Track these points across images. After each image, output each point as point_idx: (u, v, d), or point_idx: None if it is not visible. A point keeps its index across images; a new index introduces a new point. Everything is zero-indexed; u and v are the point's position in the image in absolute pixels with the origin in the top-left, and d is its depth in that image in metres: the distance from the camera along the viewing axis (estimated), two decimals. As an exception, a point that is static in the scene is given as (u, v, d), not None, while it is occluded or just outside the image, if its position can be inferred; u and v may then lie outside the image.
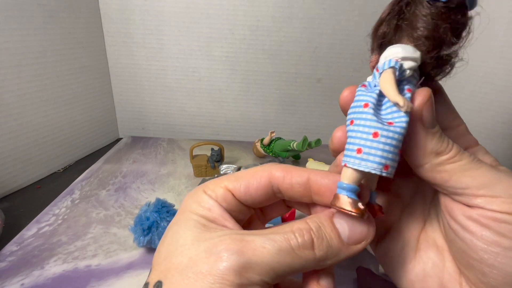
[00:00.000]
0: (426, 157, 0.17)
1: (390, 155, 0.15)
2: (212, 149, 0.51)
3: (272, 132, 0.57)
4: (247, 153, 0.63)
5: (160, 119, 0.70)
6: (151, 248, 0.35)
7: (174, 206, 0.37)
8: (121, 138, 0.71)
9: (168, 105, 0.69)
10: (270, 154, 0.58)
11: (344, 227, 0.17)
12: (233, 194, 0.19)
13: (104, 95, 0.65)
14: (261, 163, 0.51)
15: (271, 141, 0.58)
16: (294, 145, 0.53)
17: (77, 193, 0.47)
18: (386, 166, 0.15)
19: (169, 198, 0.39)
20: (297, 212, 0.40)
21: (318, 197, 0.19)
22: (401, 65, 0.16)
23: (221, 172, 0.48)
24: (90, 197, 0.46)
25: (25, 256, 0.34)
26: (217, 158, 0.50)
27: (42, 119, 0.51)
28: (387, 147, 0.15)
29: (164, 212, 0.35)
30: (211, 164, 0.50)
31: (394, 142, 0.15)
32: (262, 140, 0.59)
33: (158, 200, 0.36)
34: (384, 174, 0.15)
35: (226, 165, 0.49)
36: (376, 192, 0.18)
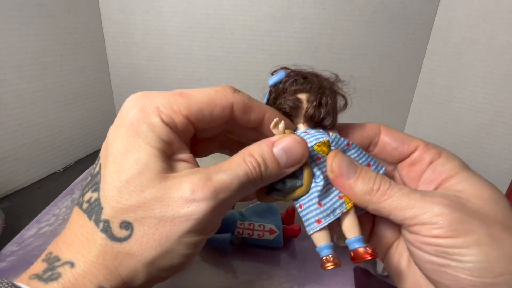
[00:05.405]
0: (363, 199, 0.20)
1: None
2: (212, 149, 0.50)
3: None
4: (247, 153, 0.63)
5: (160, 119, 0.70)
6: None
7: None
8: (121, 138, 0.71)
9: (168, 105, 0.69)
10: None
11: (282, 156, 0.20)
12: (193, 124, 0.21)
13: (104, 95, 0.65)
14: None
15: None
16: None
17: (77, 193, 0.47)
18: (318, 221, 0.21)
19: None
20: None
21: (266, 131, 0.22)
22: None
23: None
24: (90, 197, 0.46)
25: (25, 256, 0.34)
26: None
27: (42, 119, 0.51)
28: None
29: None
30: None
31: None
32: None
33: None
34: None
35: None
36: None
